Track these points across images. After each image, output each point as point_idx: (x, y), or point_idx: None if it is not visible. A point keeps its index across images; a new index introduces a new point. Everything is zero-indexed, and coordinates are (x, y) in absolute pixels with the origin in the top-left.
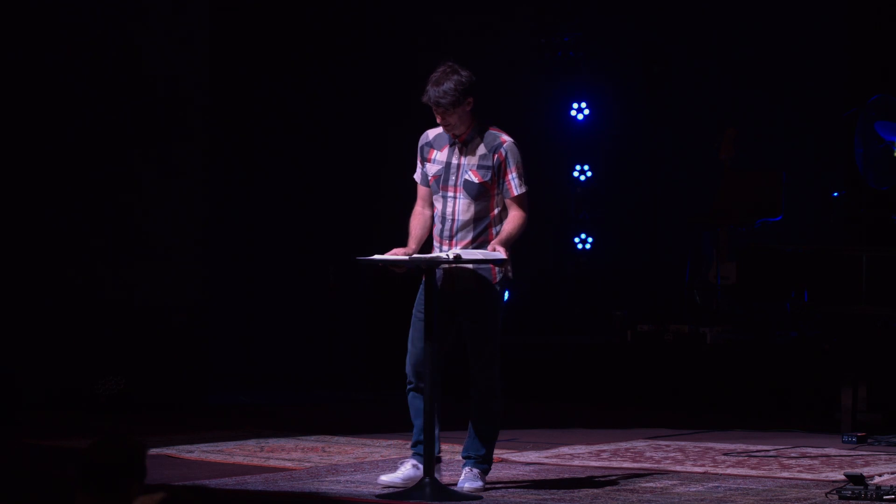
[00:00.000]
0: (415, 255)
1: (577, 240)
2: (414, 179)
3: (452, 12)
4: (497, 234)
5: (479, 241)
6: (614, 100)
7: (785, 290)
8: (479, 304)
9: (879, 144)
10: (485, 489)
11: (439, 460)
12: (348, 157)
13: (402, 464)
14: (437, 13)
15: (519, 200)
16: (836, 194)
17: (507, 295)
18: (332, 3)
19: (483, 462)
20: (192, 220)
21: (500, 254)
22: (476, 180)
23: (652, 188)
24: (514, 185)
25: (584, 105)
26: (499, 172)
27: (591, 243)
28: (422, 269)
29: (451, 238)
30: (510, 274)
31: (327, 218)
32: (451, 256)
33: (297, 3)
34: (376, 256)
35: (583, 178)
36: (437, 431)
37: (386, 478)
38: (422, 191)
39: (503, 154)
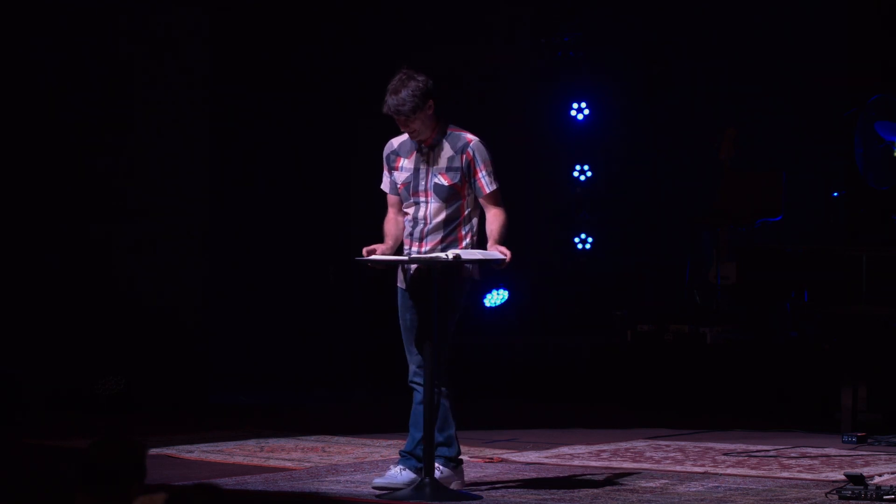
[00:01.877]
0: (414, 255)
1: (577, 240)
2: (382, 190)
3: (452, 12)
4: (467, 233)
5: (449, 242)
6: (614, 100)
7: (785, 290)
8: (441, 295)
9: (879, 144)
10: (466, 484)
11: (461, 462)
12: (349, 156)
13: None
14: (436, 13)
15: (493, 197)
16: (836, 194)
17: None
18: (331, 1)
19: (451, 460)
20: (192, 220)
21: (498, 253)
22: (445, 183)
23: (652, 188)
24: (485, 182)
25: (584, 105)
26: (468, 172)
27: (591, 243)
28: (391, 267)
29: (420, 240)
30: (476, 276)
31: (327, 218)
32: (451, 256)
33: (296, 3)
34: (375, 257)
35: (583, 178)
36: (452, 431)
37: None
38: (391, 199)
39: (471, 153)
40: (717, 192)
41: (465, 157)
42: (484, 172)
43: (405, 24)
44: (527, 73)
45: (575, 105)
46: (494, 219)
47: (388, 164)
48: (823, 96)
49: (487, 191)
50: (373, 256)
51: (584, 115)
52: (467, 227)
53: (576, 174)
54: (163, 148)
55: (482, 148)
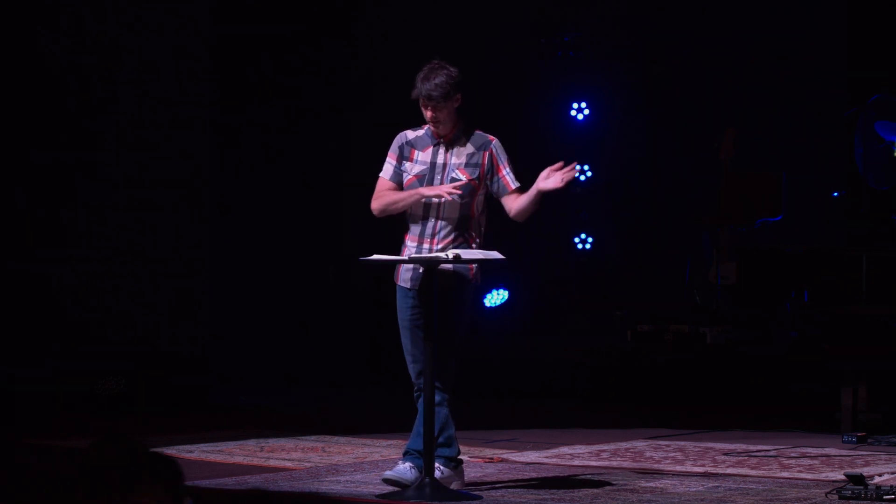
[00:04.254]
0: (414, 255)
1: (577, 240)
2: (381, 176)
3: (452, 12)
4: (476, 236)
5: (460, 242)
6: (614, 100)
7: (785, 290)
8: (449, 297)
9: (879, 144)
10: (466, 484)
11: (461, 462)
12: (349, 156)
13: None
14: (436, 13)
15: (520, 192)
16: (836, 194)
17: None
18: (332, 1)
19: (451, 460)
20: (192, 220)
21: (497, 254)
22: (464, 178)
23: (652, 188)
24: (511, 178)
25: (584, 105)
26: (490, 170)
27: (591, 243)
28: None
29: (432, 237)
30: (478, 281)
31: (327, 218)
32: (451, 256)
33: (299, 1)
34: (377, 256)
35: (583, 178)
36: (452, 432)
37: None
38: (388, 185)
39: (493, 150)
40: (717, 192)
41: (487, 153)
42: (509, 169)
43: (405, 25)
44: (527, 73)
45: (575, 105)
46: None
47: (401, 154)
48: (823, 96)
49: (513, 186)
50: (374, 257)
51: (584, 115)
52: (477, 231)
53: (576, 174)
54: (163, 148)
55: (502, 147)
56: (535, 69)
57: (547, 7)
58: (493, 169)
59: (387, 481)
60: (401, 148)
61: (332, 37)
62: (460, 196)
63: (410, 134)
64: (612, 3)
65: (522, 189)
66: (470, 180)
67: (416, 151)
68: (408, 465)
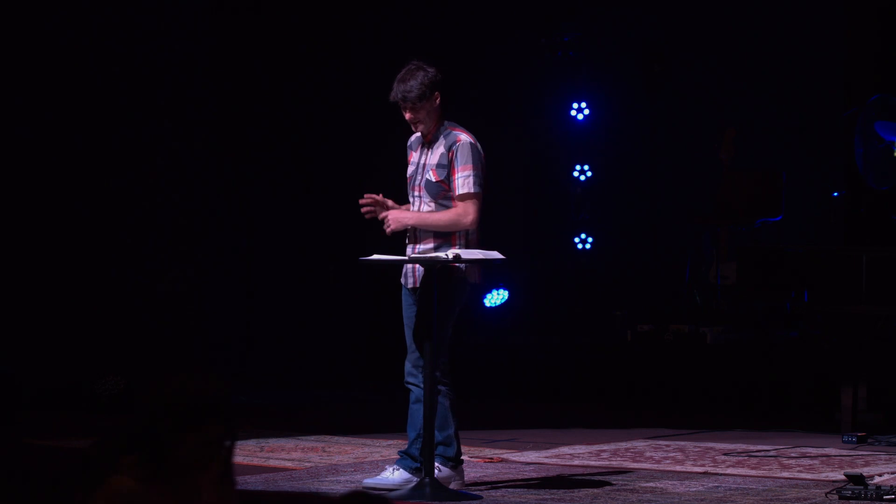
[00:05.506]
0: (413, 255)
1: (577, 240)
2: None
3: (452, 13)
4: (460, 236)
5: (439, 243)
6: (614, 100)
7: (785, 290)
8: (430, 293)
9: (879, 144)
10: (466, 484)
11: (461, 461)
12: (349, 155)
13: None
14: (437, 14)
15: (463, 199)
16: (836, 194)
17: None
18: (332, 2)
19: (451, 459)
20: (191, 219)
21: (497, 254)
22: (433, 179)
23: (652, 188)
24: (458, 183)
25: (584, 105)
26: (449, 171)
27: (591, 243)
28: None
29: (415, 239)
30: (469, 277)
31: (327, 217)
32: (451, 256)
33: (299, 2)
34: (376, 256)
35: (583, 178)
36: (452, 431)
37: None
38: None
39: (454, 151)
40: (716, 192)
41: (450, 154)
42: (461, 173)
43: (405, 24)
44: (527, 73)
45: (575, 105)
46: (445, 211)
47: (408, 160)
48: (823, 96)
49: (458, 191)
50: (373, 256)
51: (584, 115)
52: (461, 232)
53: (576, 174)
54: (165, 149)
55: (468, 149)
56: (535, 69)
57: (547, 7)
58: (449, 170)
59: (368, 489)
60: (408, 154)
61: (331, 38)
62: (429, 198)
63: (413, 137)
64: (612, 3)
65: (469, 198)
66: (439, 181)
67: (414, 154)
68: (392, 468)
